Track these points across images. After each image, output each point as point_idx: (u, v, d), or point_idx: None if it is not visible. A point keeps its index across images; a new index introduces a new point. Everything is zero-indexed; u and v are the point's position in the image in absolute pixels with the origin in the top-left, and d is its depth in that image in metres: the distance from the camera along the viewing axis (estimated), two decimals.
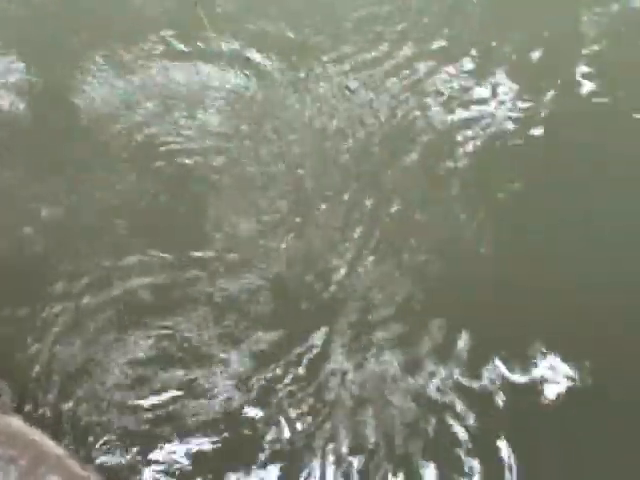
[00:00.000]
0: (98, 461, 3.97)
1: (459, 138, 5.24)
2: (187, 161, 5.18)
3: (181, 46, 5.85)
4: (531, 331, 4.36)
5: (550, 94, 5.51)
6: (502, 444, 3.96)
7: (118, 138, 5.30)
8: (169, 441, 4.04)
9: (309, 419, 4.09)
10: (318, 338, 4.37)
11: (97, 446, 4.02)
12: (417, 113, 5.42)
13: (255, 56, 5.76)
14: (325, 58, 5.80)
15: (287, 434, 4.04)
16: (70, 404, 4.14)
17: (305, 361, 4.28)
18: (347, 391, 4.18)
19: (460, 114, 5.39)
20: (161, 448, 4.01)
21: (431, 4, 6.12)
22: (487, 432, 4.02)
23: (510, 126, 5.33)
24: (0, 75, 5.62)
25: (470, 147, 5.20)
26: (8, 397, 4.15)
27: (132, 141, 5.29)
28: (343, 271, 4.65)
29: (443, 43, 5.88)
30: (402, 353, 4.30)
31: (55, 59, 5.78)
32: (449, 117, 5.37)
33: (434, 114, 5.40)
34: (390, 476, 3.91)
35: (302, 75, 5.69)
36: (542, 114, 5.39)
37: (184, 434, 4.05)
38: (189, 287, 4.57)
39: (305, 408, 4.13)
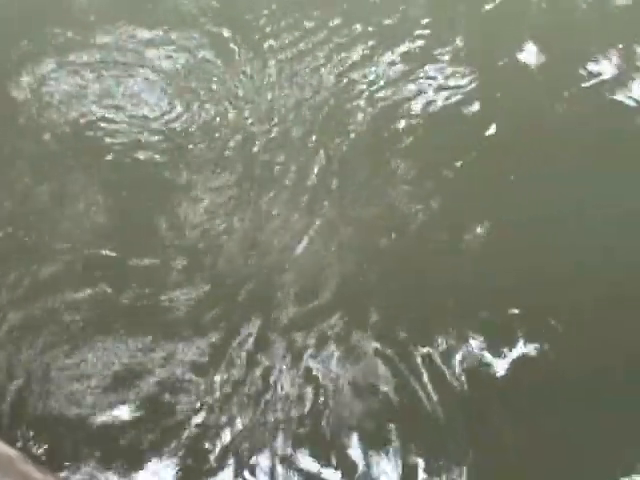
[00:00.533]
0: (54, 467, 3.90)
1: (403, 119, 5.21)
2: (121, 147, 5.06)
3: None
4: (475, 306, 4.37)
5: (494, 69, 5.47)
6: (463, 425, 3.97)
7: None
8: (120, 451, 3.98)
9: (252, 417, 4.04)
10: (256, 332, 4.31)
11: (53, 452, 3.96)
12: (362, 91, 5.38)
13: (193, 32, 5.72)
14: (259, 36, 5.72)
15: (233, 435, 3.99)
16: (25, 411, 4.08)
17: (243, 357, 4.24)
18: (291, 384, 4.14)
19: (404, 93, 5.36)
20: (114, 459, 3.95)
21: None
22: (447, 414, 4.00)
23: (458, 103, 5.28)
24: None
25: (417, 125, 5.18)
26: None
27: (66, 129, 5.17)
28: (286, 258, 4.58)
29: (389, 22, 5.82)
30: (344, 340, 4.26)
31: None
32: (392, 97, 5.33)
33: (377, 92, 5.37)
34: (343, 461, 3.89)
35: (241, 55, 5.60)
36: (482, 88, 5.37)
37: (137, 443, 4.00)
38: (132, 292, 4.47)
39: (248, 406, 4.07)
